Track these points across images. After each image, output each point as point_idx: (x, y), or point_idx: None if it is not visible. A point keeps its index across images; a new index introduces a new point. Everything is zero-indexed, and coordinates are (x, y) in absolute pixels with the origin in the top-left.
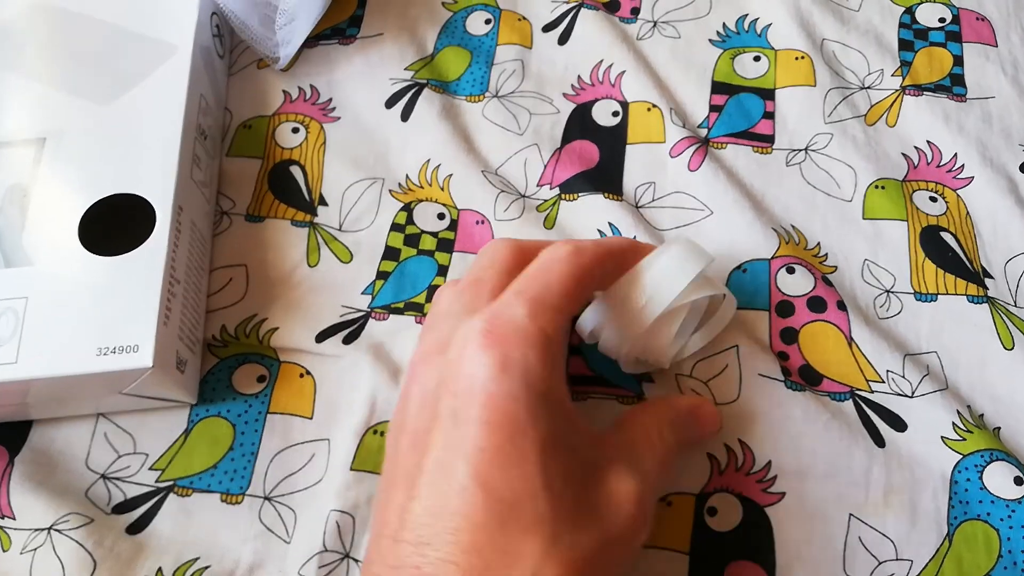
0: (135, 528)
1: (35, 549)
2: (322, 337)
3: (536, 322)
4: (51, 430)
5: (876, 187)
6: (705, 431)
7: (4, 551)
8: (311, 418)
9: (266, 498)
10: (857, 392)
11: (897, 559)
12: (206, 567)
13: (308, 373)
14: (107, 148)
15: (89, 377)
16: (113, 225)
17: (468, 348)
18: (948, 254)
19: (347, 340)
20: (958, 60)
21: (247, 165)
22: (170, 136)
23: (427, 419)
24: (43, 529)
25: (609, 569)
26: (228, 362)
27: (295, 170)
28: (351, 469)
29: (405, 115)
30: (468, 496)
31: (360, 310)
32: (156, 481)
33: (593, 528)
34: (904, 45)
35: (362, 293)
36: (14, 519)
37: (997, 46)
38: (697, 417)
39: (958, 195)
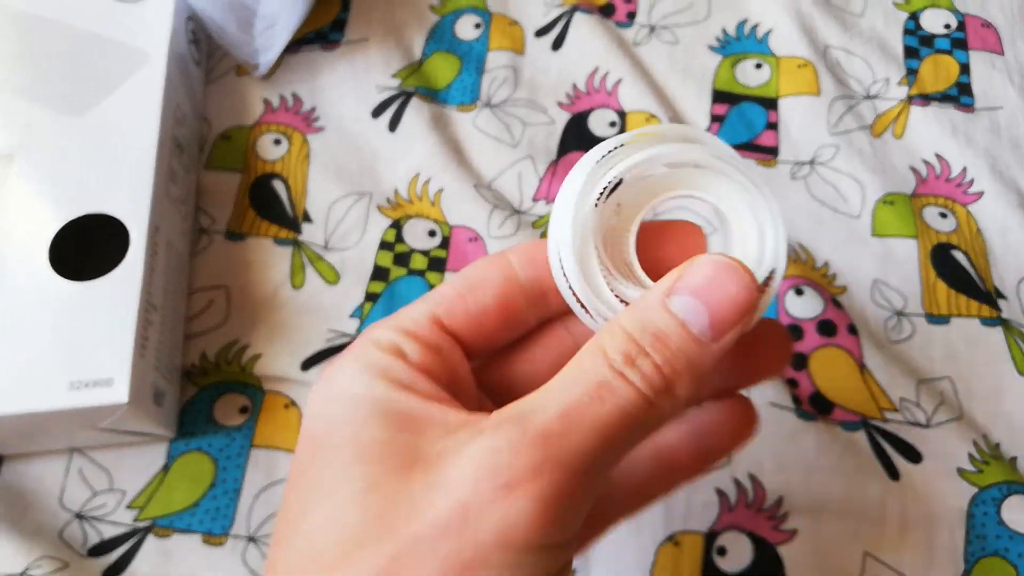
0: (112, 572)
1: None
2: (308, 364)
3: (366, 334)
4: (22, 466)
5: (885, 202)
6: (719, 302)
7: None
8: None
9: (250, 539)
10: (870, 421)
11: None
12: None
13: (293, 404)
14: (78, 164)
15: (61, 413)
16: (85, 247)
17: None
18: (960, 273)
19: None
20: (964, 68)
21: (227, 179)
22: (144, 150)
23: None
24: (14, 575)
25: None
26: (209, 391)
27: (278, 184)
28: None
29: (393, 125)
30: (271, 544)
31: (348, 334)
32: (134, 520)
33: (396, 529)
34: (909, 52)
35: (350, 316)
36: None
37: (1004, 54)
38: (691, 289)
39: (968, 211)
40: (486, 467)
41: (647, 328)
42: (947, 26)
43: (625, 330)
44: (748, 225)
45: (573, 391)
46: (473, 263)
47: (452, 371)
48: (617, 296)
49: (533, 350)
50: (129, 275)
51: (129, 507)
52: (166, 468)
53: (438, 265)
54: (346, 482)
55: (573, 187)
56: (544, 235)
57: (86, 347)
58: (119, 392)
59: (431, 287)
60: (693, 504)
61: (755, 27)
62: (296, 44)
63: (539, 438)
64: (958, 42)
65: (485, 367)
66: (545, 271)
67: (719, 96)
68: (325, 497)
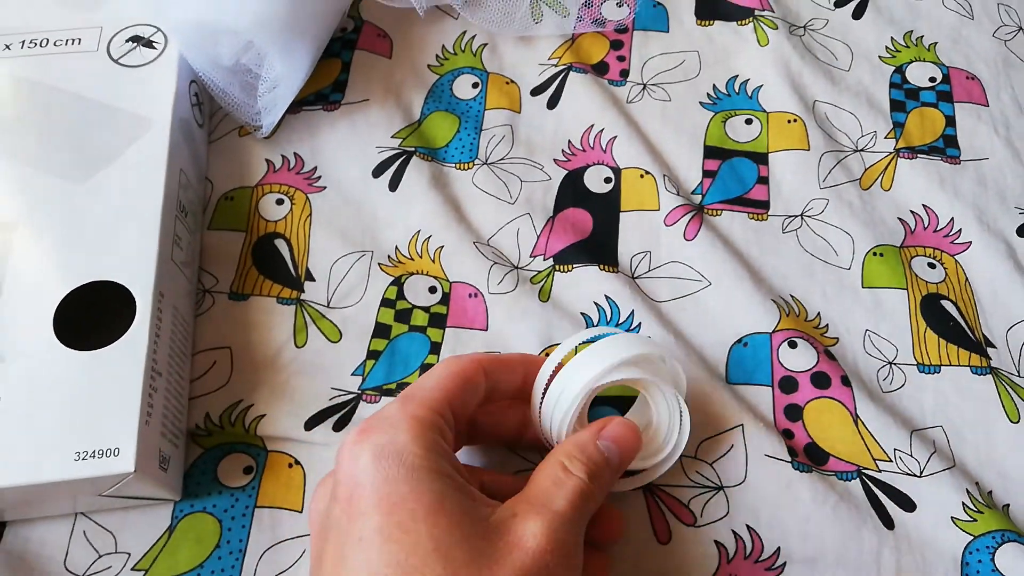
0: None
1: None
2: (311, 424)
3: (405, 410)
4: (26, 530)
5: (874, 254)
6: (623, 447)
7: None
8: (301, 511)
9: None
10: (864, 471)
11: None
12: None
13: (297, 463)
14: (82, 231)
15: (65, 484)
16: (90, 316)
17: (344, 450)
18: (949, 323)
19: (337, 426)
20: (950, 121)
21: (230, 239)
22: (149, 217)
23: (320, 540)
24: None
25: None
26: (213, 452)
27: (280, 244)
28: None
29: (393, 185)
30: None
31: (351, 392)
32: None
33: (497, 572)
34: (896, 106)
35: (352, 374)
36: None
37: (988, 106)
38: (611, 437)
39: (956, 261)
40: (557, 541)
41: (584, 451)
42: (932, 79)
43: (569, 451)
44: (664, 417)
45: (567, 488)
46: (460, 363)
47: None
48: None
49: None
50: (135, 343)
51: (134, 569)
52: (171, 529)
53: (439, 321)
54: (438, 538)
55: (569, 395)
56: (543, 292)
57: (91, 417)
58: (125, 462)
59: (432, 343)
60: (692, 556)
61: (745, 83)
62: (297, 104)
63: (564, 517)
64: (943, 95)
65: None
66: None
67: (711, 152)
68: (417, 545)
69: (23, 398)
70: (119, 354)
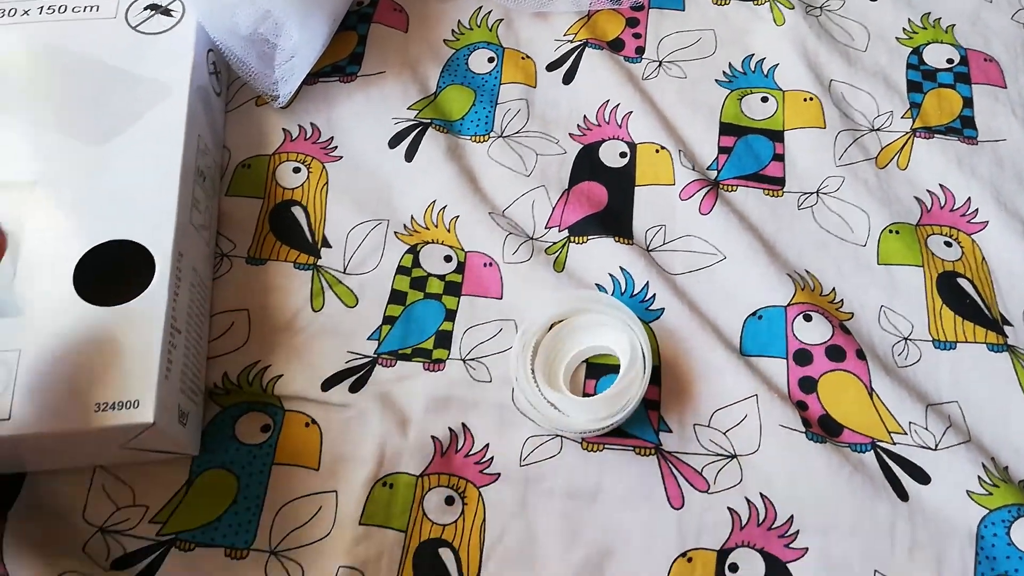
0: None
1: None
2: (328, 385)
3: None
4: (46, 482)
5: (890, 232)
6: None
7: None
8: (317, 469)
9: (272, 552)
10: (879, 444)
11: None
12: None
13: (314, 422)
14: (101, 192)
15: (86, 432)
16: (109, 273)
17: None
18: (966, 301)
19: (354, 388)
20: (967, 102)
21: (247, 205)
22: (168, 180)
23: None
24: None
25: None
26: (231, 411)
27: (297, 211)
28: (360, 523)
29: (409, 155)
30: None
31: (367, 356)
32: (157, 535)
33: None
34: (912, 86)
35: (368, 338)
36: None
37: (1006, 87)
38: None
39: (973, 240)
40: None
41: None
42: (950, 60)
43: None
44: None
45: None
46: None
47: None
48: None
49: None
50: (154, 300)
51: (152, 521)
52: (189, 483)
53: (454, 289)
54: None
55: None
56: (558, 263)
57: (112, 370)
58: (145, 413)
59: (447, 311)
60: (706, 522)
61: (761, 62)
62: (314, 76)
63: None
64: (961, 76)
65: None
66: None
67: (726, 128)
68: None
69: (44, 351)
70: (139, 310)
